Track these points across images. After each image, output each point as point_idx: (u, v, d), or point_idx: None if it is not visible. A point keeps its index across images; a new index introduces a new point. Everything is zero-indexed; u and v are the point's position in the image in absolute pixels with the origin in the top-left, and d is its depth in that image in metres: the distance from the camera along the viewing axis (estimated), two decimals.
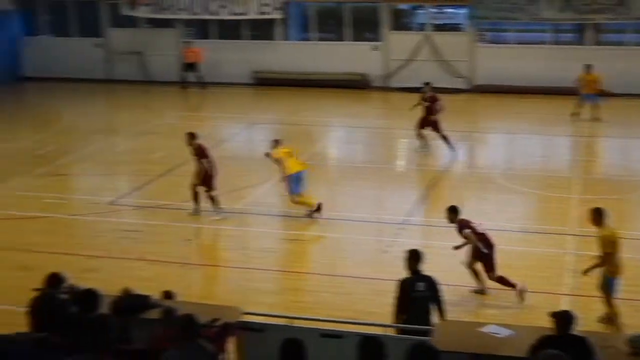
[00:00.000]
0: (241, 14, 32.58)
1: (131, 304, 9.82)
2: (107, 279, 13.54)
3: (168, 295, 10.86)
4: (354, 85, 31.66)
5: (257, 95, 31.74)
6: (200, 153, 17.36)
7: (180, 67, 32.83)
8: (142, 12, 33.25)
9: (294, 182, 16.98)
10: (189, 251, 15.89)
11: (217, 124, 27.09)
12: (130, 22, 33.96)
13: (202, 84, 32.24)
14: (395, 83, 31.52)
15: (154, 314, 9.48)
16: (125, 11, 33.28)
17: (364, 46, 32.18)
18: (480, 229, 13.18)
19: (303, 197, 17.14)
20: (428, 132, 22.40)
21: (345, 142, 25.05)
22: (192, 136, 17.50)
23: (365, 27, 32.66)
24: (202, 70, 32.24)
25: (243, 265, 15.08)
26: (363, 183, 20.17)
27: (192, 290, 13.65)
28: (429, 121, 22.24)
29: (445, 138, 22.18)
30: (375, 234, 16.59)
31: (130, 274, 14.27)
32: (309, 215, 17.16)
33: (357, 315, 12.24)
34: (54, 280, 9.82)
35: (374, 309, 12.48)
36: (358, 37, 32.59)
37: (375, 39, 32.34)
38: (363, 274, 14.35)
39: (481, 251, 13.09)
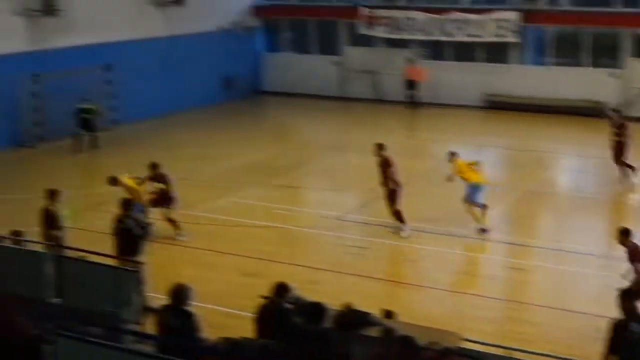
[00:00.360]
0: (477, 36, 32.44)
1: (353, 319, 10.02)
2: (330, 293, 13.88)
3: (388, 314, 10.99)
4: (588, 112, 30.62)
5: (487, 119, 31.44)
6: (385, 165, 17.54)
7: (404, 85, 33.20)
8: (378, 32, 33.89)
9: (473, 190, 17.38)
10: (411, 271, 15.99)
11: (445, 145, 27.05)
12: (367, 41, 34.72)
13: (417, 104, 32.57)
14: (634, 112, 30.16)
15: (374, 332, 9.61)
16: (363, 30, 34.07)
17: (601, 73, 31.09)
18: None
19: (477, 211, 17.49)
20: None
21: (576, 171, 24.28)
22: (380, 147, 17.84)
23: (605, 53, 31.53)
24: (422, 89, 32.54)
25: (463, 289, 14.99)
26: (591, 215, 19.48)
27: (412, 311, 13.72)
28: (620, 148, 21.49)
29: (626, 166, 21.30)
30: (602, 269, 15.96)
31: (353, 289, 14.55)
32: (480, 231, 17.39)
33: (580, 352, 11.83)
34: (281, 289, 10.20)
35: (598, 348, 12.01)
36: (596, 63, 31.53)
37: (615, 65, 31.15)
38: (587, 309, 13.85)
39: None
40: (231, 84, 35.13)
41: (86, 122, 25.14)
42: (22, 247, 13.12)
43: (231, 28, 34.97)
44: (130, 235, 13.60)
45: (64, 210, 14.88)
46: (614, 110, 22.16)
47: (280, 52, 36.98)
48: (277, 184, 21.79)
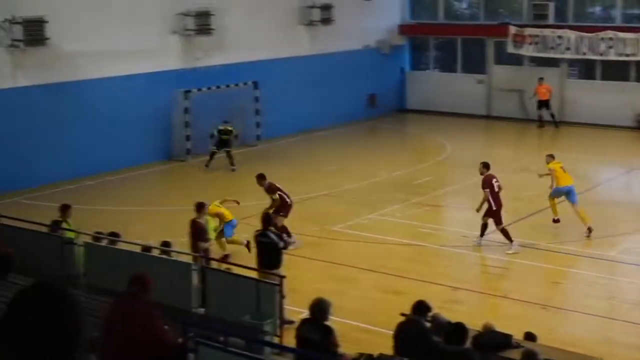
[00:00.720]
0: (630, 55, 31.36)
1: (493, 341, 9.87)
2: (470, 312, 13.70)
3: (530, 336, 10.76)
4: None
5: (638, 140, 30.34)
6: (484, 184, 17.67)
7: (536, 105, 32.56)
8: (527, 51, 33.28)
9: (562, 194, 18.81)
10: (554, 293, 15.58)
11: (594, 167, 26.30)
12: (515, 60, 34.20)
13: (548, 122, 32.00)
14: None
15: (514, 354, 9.43)
16: (511, 49, 33.54)
17: None
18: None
19: (580, 212, 18.57)
20: None
21: None
22: (484, 166, 18.02)
23: None
24: (554, 108, 31.93)
25: (608, 315, 14.47)
26: None
27: (555, 334, 13.35)
28: None
29: None
30: None
31: (493, 310, 14.32)
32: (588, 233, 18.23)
33: None
34: (421, 307, 10.14)
35: None
36: None
37: None
38: None
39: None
40: (375, 102, 35.32)
41: (223, 142, 25.76)
42: (170, 258, 13.56)
43: (377, 46, 35.19)
44: (271, 249, 13.84)
45: (210, 223, 15.31)
46: None
47: (425, 70, 36.91)
48: (418, 202, 21.71)
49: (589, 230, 18.26)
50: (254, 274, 13.12)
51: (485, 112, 34.72)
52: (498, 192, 17.82)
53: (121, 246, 14.22)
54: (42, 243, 14.43)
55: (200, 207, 15.15)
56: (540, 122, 32.32)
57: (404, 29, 36.30)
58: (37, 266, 14.15)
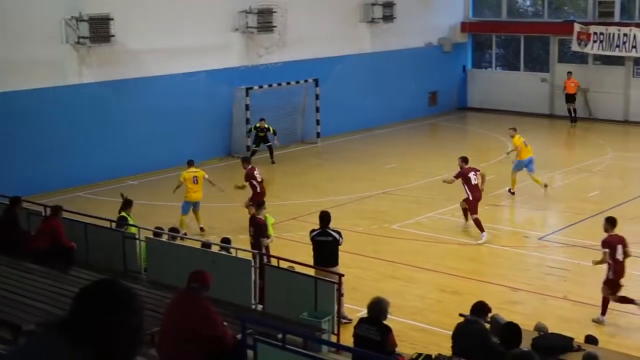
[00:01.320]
0: None
1: (554, 343, 9.72)
2: (530, 314, 13.54)
3: (591, 339, 10.58)
4: None
5: None
6: (459, 175, 18.82)
7: (564, 98, 32.73)
8: (591, 49, 32.70)
9: (524, 165, 21.72)
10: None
11: None
12: (579, 59, 33.68)
13: (575, 118, 32.44)
14: None
15: (575, 358, 9.28)
16: (575, 47, 33.02)
17: None
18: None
19: (535, 177, 21.62)
20: None
21: None
22: (463, 160, 19.12)
23: None
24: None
25: None
26: None
27: (617, 338, 13.11)
28: None
29: None
30: None
31: (554, 313, 14.11)
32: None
33: None
34: (480, 308, 10.02)
35: None
36: None
37: None
38: None
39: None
40: (436, 99, 35.12)
41: (261, 139, 25.86)
42: (229, 254, 13.65)
43: (439, 44, 34.98)
44: (332, 246, 13.85)
45: (270, 219, 15.36)
46: None
47: (487, 68, 36.57)
48: (481, 202, 21.46)
49: (545, 186, 21.82)
50: (310, 272, 13.14)
51: (548, 111, 34.27)
52: (476, 185, 18.73)
53: (181, 242, 14.39)
54: (105, 238, 14.66)
55: (260, 205, 15.23)
56: (571, 117, 32.59)
57: (466, 27, 36.01)
58: (99, 260, 14.41)
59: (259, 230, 14.80)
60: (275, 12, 27.81)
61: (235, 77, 27.31)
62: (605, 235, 14.02)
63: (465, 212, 19.20)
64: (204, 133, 26.50)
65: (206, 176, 19.26)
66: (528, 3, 37.16)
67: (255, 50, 27.98)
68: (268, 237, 14.97)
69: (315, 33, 29.47)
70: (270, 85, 27.84)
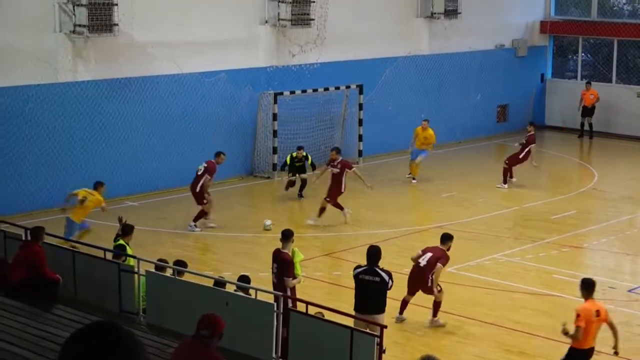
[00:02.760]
0: None
1: None
2: None
3: None
4: None
5: None
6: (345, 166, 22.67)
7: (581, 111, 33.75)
8: None
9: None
10: None
11: None
12: None
13: (591, 133, 33.85)
14: None
15: None
16: None
17: None
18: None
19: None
20: None
21: None
22: (337, 152, 22.90)
23: None
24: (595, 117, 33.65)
25: None
26: None
27: None
28: None
29: None
30: None
31: None
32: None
33: None
34: None
35: None
36: None
37: None
38: None
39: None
40: (506, 115, 35.05)
41: (298, 169, 25.74)
42: (248, 296, 13.67)
43: (513, 47, 34.95)
44: (379, 289, 13.82)
45: (298, 256, 15.33)
46: None
47: (571, 78, 36.43)
48: (555, 242, 21.39)
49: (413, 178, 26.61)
50: (349, 321, 13.13)
51: None
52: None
53: (189, 278, 14.44)
54: (97, 270, 14.75)
55: (286, 236, 15.22)
56: (582, 132, 33.86)
57: (546, 27, 35.97)
58: (89, 297, 14.50)
59: (284, 267, 14.81)
60: (313, 1, 27.98)
61: (262, 80, 27.50)
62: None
63: (338, 207, 22.61)
64: (221, 146, 26.52)
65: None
66: (624, 0, 37.06)
67: (287, 47, 28.14)
68: (295, 276, 14.97)
69: (361, 29, 29.59)
70: (304, 91, 27.98)
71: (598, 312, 13.07)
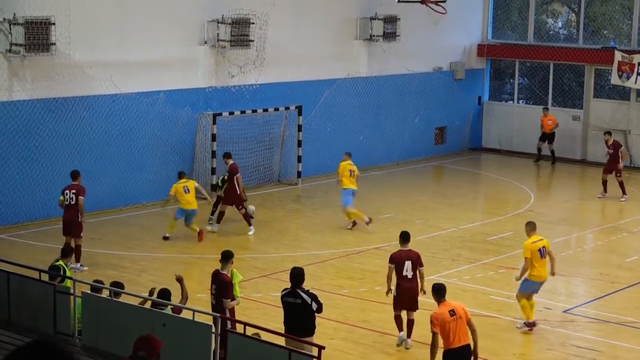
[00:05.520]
0: None
1: None
2: None
3: None
4: None
5: None
6: (234, 170, 23.10)
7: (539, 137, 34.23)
8: (635, 83, 32.82)
9: (347, 195, 24.29)
10: None
11: None
12: (619, 94, 34.06)
13: (553, 159, 34.16)
14: None
15: None
16: (615, 80, 33.20)
17: None
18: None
19: (352, 210, 24.22)
20: None
21: None
22: (227, 156, 23.93)
23: None
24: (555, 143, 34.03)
25: None
26: None
27: None
28: None
29: None
30: None
31: None
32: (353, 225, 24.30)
33: None
34: None
35: None
36: None
37: None
38: None
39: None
40: (444, 137, 35.34)
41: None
42: (185, 318, 13.59)
43: (450, 70, 35.27)
44: (299, 311, 13.78)
45: (237, 277, 15.28)
46: None
47: (508, 101, 36.90)
48: (492, 263, 21.57)
49: (353, 224, 24.40)
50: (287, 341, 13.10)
51: (580, 156, 34.53)
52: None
53: (125, 299, 14.33)
54: (31, 291, 14.59)
55: (226, 257, 15.13)
56: (538, 157, 34.25)
57: (483, 50, 36.39)
58: (23, 319, 14.32)
59: (223, 289, 14.73)
60: (253, 23, 28.00)
61: (201, 100, 27.45)
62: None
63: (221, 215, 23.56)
64: (159, 167, 26.46)
65: (196, 184, 22.99)
66: (560, 25, 37.66)
67: (226, 68, 28.12)
68: (234, 298, 14.91)
69: (300, 51, 29.69)
70: (243, 112, 27.96)
71: (453, 311, 13.69)
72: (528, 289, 17.42)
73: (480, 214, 27.18)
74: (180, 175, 23.15)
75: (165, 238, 22.75)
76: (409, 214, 26.18)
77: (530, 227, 17.76)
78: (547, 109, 34.46)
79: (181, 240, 22.77)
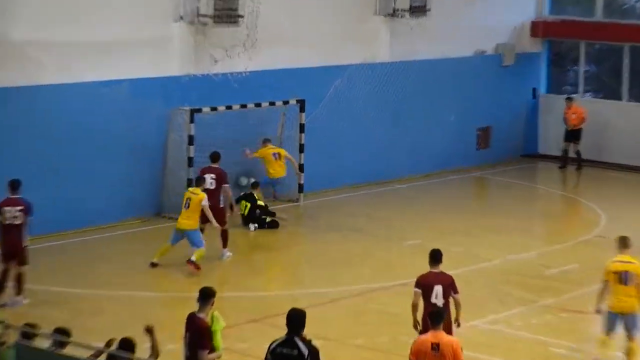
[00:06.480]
0: None
1: None
2: None
3: None
4: None
5: None
6: (223, 178, 24.01)
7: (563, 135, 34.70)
8: None
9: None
10: None
11: None
12: None
13: (579, 162, 34.47)
14: None
15: None
16: None
17: None
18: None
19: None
20: None
21: None
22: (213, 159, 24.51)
23: None
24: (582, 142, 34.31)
25: None
26: None
27: None
28: None
29: None
30: None
31: None
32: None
33: None
34: None
35: None
36: None
37: None
38: None
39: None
40: (489, 140, 35.16)
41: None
42: None
43: (496, 53, 35.14)
44: None
45: (218, 323, 15.03)
46: None
47: (570, 94, 36.69)
48: (551, 305, 21.43)
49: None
50: None
51: None
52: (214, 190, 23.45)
53: (73, 351, 14.12)
54: None
55: (205, 297, 14.92)
56: (564, 160, 34.45)
57: (539, 29, 36.26)
58: None
59: (198, 337, 14.56)
60: None
61: (175, 92, 27.40)
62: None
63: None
64: (122, 176, 26.33)
65: (204, 202, 22.81)
66: None
67: (208, 51, 28.08)
68: (213, 349, 14.73)
69: (303, 29, 29.64)
70: (229, 107, 27.86)
71: (437, 347, 13.68)
72: (606, 322, 17.43)
73: (536, 241, 26.95)
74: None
75: (154, 265, 22.89)
76: (441, 240, 25.86)
77: (621, 243, 17.59)
78: (571, 99, 34.44)
79: (145, 275, 22.57)
